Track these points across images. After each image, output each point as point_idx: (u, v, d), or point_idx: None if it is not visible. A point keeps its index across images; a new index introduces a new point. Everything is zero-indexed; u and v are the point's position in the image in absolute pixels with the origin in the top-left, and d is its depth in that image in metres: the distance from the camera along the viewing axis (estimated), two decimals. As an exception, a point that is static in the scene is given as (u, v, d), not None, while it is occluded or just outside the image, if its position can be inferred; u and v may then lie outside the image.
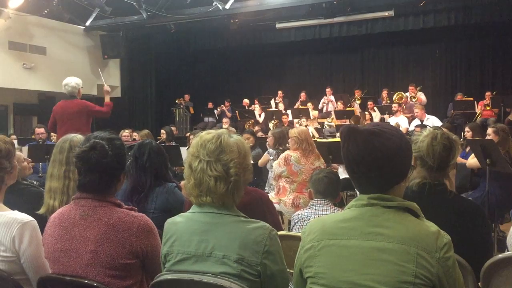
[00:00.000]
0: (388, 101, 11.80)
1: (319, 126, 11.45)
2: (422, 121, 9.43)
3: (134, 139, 8.19)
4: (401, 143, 1.51)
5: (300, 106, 12.54)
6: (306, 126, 10.36)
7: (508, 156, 4.87)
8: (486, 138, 5.15)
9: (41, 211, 2.56)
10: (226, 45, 14.23)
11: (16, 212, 2.07)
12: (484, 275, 1.98)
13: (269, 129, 10.94)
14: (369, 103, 11.76)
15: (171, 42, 14.64)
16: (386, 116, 11.12)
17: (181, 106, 13.70)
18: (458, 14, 11.63)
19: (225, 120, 12.30)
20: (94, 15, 12.41)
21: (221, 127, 10.49)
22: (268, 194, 4.48)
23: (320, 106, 12.91)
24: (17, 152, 2.45)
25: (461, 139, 6.84)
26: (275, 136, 5.89)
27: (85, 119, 6.02)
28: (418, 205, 1.55)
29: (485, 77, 13.00)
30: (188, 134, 9.86)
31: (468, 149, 5.97)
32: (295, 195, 4.72)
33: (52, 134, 7.98)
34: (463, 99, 10.94)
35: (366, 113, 11.14)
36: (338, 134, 8.20)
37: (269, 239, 1.70)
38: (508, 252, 2.03)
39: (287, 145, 5.34)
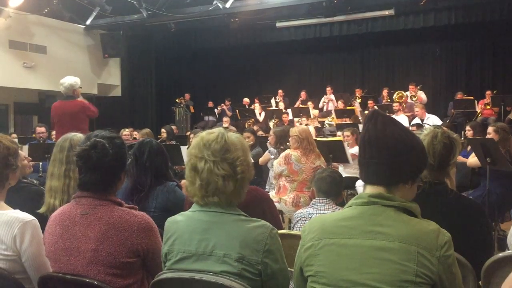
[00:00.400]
0: (389, 100, 11.80)
1: (319, 125, 11.45)
2: (422, 120, 9.43)
3: (135, 138, 8.20)
4: (417, 145, 1.55)
5: (301, 105, 12.53)
6: (306, 125, 10.35)
7: (509, 154, 4.87)
8: (486, 137, 5.15)
9: (42, 210, 2.56)
10: (227, 44, 14.23)
11: (17, 211, 2.08)
12: (485, 274, 1.98)
13: (269, 128, 10.95)
14: (369, 102, 11.75)
15: (172, 41, 14.64)
16: (386, 115, 11.09)
17: (182, 105, 13.70)
18: (458, 13, 11.62)
19: (225, 119, 12.29)
20: (94, 14, 12.41)
21: (222, 126, 10.48)
22: (269, 193, 4.49)
23: (320, 105, 12.91)
24: (18, 150, 2.45)
25: (462, 138, 6.84)
26: (276, 135, 5.89)
27: (82, 119, 5.96)
28: (419, 203, 1.55)
29: (486, 76, 13.00)
30: (188, 133, 9.85)
31: (469, 148, 5.97)
32: (295, 194, 4.72)
33: (53, 133, 7.98)
34: (464, 98, 10.93)
35: (366, 112, 11.14)
36: (338, 133, 8.19)
37: (269, 238, 1.70)
38: (509, 251, 2.03)
39: (287, 144, 5.34)
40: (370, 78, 14.44)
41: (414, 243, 1.41)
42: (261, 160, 6.23)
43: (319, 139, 7.38)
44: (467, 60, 13.32)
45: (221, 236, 1.71)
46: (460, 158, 5.50)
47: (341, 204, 3.24)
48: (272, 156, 5.73)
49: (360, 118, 10.97)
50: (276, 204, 4.33)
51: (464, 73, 13.35)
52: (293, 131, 4.93)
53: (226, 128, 9.63)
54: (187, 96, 14.35)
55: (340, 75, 14.84)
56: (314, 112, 12.09)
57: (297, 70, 15.16)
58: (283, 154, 4.89)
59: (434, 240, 1.42)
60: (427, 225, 1.47)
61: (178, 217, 1.84)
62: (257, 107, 13.17)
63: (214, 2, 11.27)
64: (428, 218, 1.53)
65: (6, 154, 2.13)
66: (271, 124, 11.77)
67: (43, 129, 7.81)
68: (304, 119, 10.98)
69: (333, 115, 11.55)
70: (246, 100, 13.77)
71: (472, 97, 10.84)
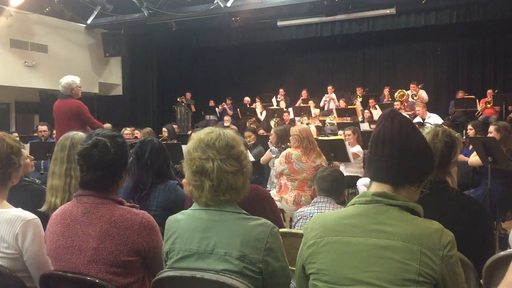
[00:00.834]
0: (390, 99, 11.79)
1: (320, 124, 11.45)
2: (423, 119, 9.41)
3: (136, 137, 8.19)
4: (428, 149, 1.58)
5: (302, 104, 12.54)
6: (307, 124, 10.35)
7: (510, 153, 4.87)
8: (488, 136, 5.15)
9: (43, 208, 2.57)
10: (228, 43, 14.22)
11: (19, 209, 2.08)
12: (486, 272, 1.98)
13: (270, 127, 10.95)
14: (370, 100, 11.75)
15: (173, 40, 14.64)
16: (387, 114, 11.07)
17: (183, 104, 13.71)
18: (459, 12, 11.60)
19: (226, 118, 12.30)
20: (95, 13, 12.41)
21: (223, 125, 10.49)
22: (270, 192, 4.49)
23: (321, 104, 12.91)
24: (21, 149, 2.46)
25: (463, 137, 6.84)
26: (277, 134, 5.89)
27: (78, 120, 5.87)
28: (420, 202, 1.55)
29: (487, 75, 12.98)
30: (189, 132, 9.87)
31: (470, 147, 5.96)
32: (296, 192, 4.72)
33: (54, 131, 8.00)
34: (465, 97, 10.93)
35: (366, 111, 11.16)
36: (339, 132, 8.19)
37: (270, 236, 1.70)
38: (510, 250, 2.03)
39: (288, 143, 5.34)
40: (371, 77, 14.44)
41: (417, 242, 1.41)
42: (262, 159, 6.24)
43: (320, 138, 7.37)
44: (468, 59, 13.30)
45: (222, 234, 1.71)
46: (461, 157, 5.49)
47: (343, 203, 3.24)
48: (274, 155, 5.73)
49: (359, 117, 10.97)
50: (277, 202, 4.33)
51: (465, 72, 13.33)
52: (293, 130, 4.92)
53: (227, 127, 9.66)
54: (188, 95, 14.35)
55: (341, 74, 14.84)
56: (315, 111, 12.09)
57: (298, 69, 15.16)
58: (283, 153, 4.89)
59: (437, 240, 1.42)
60: (430, 225, 1.47)
61: (179, 215, 1.84)
62: (258, 106, 13.17)
63: (215, 1, 11.27)
64: (429, 216, 1.53)
65: (9, 152, 2.14)
66: (272, 123, 11.77)
67: (45, 127, 7.84)
68: (305, 118, 10.98)
69: (334, 114, 11.54)
70: (247, 99, 13.78)
71: (473, 96, 10.83)
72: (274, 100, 13.63)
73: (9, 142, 2.15)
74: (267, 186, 5.94)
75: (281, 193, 4.82)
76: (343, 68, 14.86)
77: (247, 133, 7.15)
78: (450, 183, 2.23)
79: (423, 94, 11.47)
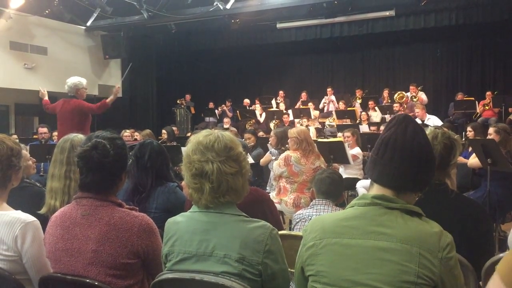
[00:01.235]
0: (389, 101, 11.81)
1: (320, 126, 11.46)
2: (423, 121, 9.42)
3: (136, 139, 8.20)
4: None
5: (301, 106, 12.55)
6: (307, 126, 10.36)
7: (510, 155, 4.87)
8: (487, 137, 5.15)
9: (43, 211, 2.57)
10: (227, 45, 14.23)
11: (19, 211, 2.08)
12: (486, 275, 1.98)
13: (270, 129, 10.95)
14: (370, 102, 11.78)
15: (172, 42, 14.65)
16: (387, 116, 11.12)
17: (182, 106, 13.71)
18: (459, 14, 11.62)
19: (226, 120, 12.30)
20: (95, 15, 12.41)
21: (223, 127, 10.50)
22: (269, 194, 4.48)
23: (321, 106, 12.92)
24: (23, 151, 2.47)
25: (463, 139, 6.85)
26: (277, 136, 5.89)
27: (82, 118, 5.99)
28: (420, 204, 1.55)
29: (486, 76, 13.00)
30: (189, 134, 9.86)
31: (470, 148, 5.97)
32: (296, 195, 4.71)
33: (54, 134, 8.00)
34: (464, 98, 10.94)
35: (363, 113, 11.18)
36: (339, 134, 8.19)
37: (270, 238, 1.71)
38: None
39: (287, 145, 5.34)
40: (371, 78, 14.45)
41: (416, 245, 1.41)
42: (262, 161, 6.24)
43: (319, 140, 7.38)
44: (467, 61, 13.32)
45: (221, 236, 1.71)
46: (461, 159, 5.50)
47: (342, 205, 3.24)
48: (273, 157, 5.73)
49: (358, 120, 10.99)
50: (277, 205, 4.32)
51: (464, 74, 13.35)
52: (292, 132, 4.88)
53: (226, 129, 9.65)
54: (187, 97, 14.36)
55: (341, 76, 14.85)
56: (314, 113, 12.10)
57: (298, 71, 15.17)
58: (282, 156, 4.86)
59: (436, 242, 1.42)
60: (429, 227, 1.47)
61: (179, 218, 1.84)
62: (257, 108, 13.18)
63: (215, 3, 11.28)
64: (428, 218, 1.53)
65: (9, 155, 2.14)
66: (271, 125, 11.78)
67: (45, 129, 7.86)
68: (304, 120, 10.99)
69: (334, 116, 11.56)
70: (246, 101, 13.78)
71: (472, 98, 10.85)
72: (273, 102, 13.64)
73: (9, 144, 2.15)
74: (267, 188, 5.93)
75: (281, 195, 4.81)
76: (342, 70, 14.88)
77: (246, 135, 7.15)
78: (449, 185, 2.23)
79: (422, 96, 11.49)
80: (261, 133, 10.31)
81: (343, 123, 10.47)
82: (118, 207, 1.99)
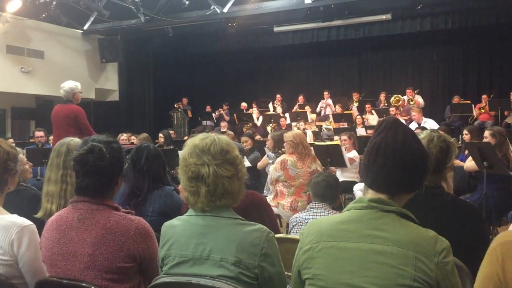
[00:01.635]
0: (386, 104, 11.84)
1: (317, 130, 11.47)
2: (419, 124, 9.44)
3: (132, 143, 8.18)
4: (427, 159, 1.58)
5: (298, 110, 12.56)
6: (304, 129, 10.38)
7: (505, 158, 4.88)
8: (483, 141, 5.17)
9: (39, 215, 2.56)
10: (224, 48, 14.25)
11: (15, 215, 2.07)
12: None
13: (267, 132, 10.95)
14: (366, 106, 11.80)
15: (169, 46, 14.65)
16: (383, 119, 11.12)
17: (179, 109, 13.71)
18: (455, 17, 11.67)
19: (223, 123, 12.30)
20: (92, 19, 12.43)
21: (220, 131, 10.50)
22: (266, 197, 4.48)
23: (318, 109, 12.94)
24: (20, 155, 2.46)
25: (459, 142, 6.86)
26: (274, 140, 5.89)
27: (76, 125, 5.85)
28: (415, 207, 1.56)
29: (482, 80, 13.05)
30: (186, 138, 9.86)
31: (466, 152, 5.98)
32: (293, 198, 4.71)
33: (50, 137, 7.99)
34: (461, 102, 10.98)
35: (358, 117, 11.20)
36: (336, 137, 8.21)
37: (266, 242, 1.71)
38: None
39: (283, 149, 5.34)
40: (368, 82, 14.48)
41: (412, 248, 1.42)
42: (259, 164, 6.24)
43: (316, 143, 7.38)
44: (464, 64, 13.37)
45: (218, 240, 1.71)
46: (457, 162, 5.51)
47: (339, 208, 3.24)
48: (271, 161, 5.73)
49: (354, 123, 11.01)
50: (274, 208, 4.32)
51: (461, 77, 13.39)
52: (287, 136, 4.86)
53: (224, 132, 9.65)
54: (184, 100, 14.35)
55: (338, 79, 14.88)
56: (311, 116, 12.11)
57: (295, 75, 15.19)
58: (278, 160, 4.84)
59: (432, 246, 1.43)
60: (425, 231, 1.48)
61: (175, 221, 1.84)
62: (254, 111, 13.20)
63: (212, 7, 11.30)
64: (424, 221, 1.54)
65: (5, 159, 2.14)
66: (268, 128, 11.79)
67: (41, 133, 7.85)
68: (301, 123, 11.00)
69: (331, 119, 11.58)
70: (244, 104, 13.79)
71: (469, 101, 10.89)
72: (270, 105, 13.66)
73: (5, 148, 2.15)
74: (264, 191, 5.93)
75: (278, 199, 4.81)
76: (339, 74, 14.91)
77: (243, 139, 7.15)
78: (445, 188, 2.24)
79: (419, 99, 11.53)
80: (258, 137, 10.31)
81: (340, 127, 10.49)
82: (115, 211, 1.98)
